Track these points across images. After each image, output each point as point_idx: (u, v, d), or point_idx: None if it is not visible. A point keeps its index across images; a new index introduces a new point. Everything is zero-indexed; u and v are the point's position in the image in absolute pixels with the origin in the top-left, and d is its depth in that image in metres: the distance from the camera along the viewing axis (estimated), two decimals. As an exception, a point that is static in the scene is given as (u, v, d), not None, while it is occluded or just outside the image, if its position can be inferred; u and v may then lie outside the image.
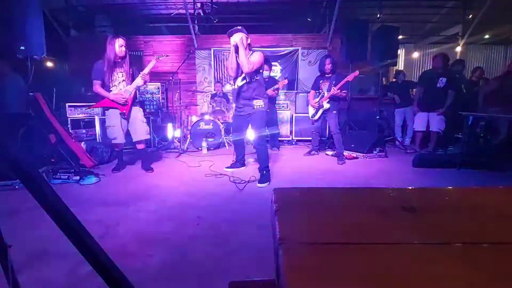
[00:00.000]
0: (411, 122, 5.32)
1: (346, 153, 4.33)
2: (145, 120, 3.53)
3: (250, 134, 3.49)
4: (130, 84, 3.32)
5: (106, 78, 3.23)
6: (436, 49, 7.73)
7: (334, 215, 0.59)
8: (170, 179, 3.29)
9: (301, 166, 3.96)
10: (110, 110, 3.34)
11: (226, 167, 3.66)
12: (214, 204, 2.52)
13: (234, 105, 3.37)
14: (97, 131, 4.69)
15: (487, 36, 7.52)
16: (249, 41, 3.02)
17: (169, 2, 6.43)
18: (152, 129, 5.00)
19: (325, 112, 4.20)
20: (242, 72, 3.07)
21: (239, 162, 3.67)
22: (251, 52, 3.07)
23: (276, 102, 5.38)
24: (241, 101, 3.15)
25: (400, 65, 7.75)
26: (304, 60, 6.63)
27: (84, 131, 4.66)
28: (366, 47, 5.04)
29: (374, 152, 4.46)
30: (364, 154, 4.41)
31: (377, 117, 5.14)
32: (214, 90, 6.15)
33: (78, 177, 3.10)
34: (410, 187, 0.73)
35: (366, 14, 6.43)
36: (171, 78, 5.06)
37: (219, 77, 6.67)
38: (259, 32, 6.43)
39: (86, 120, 4.73)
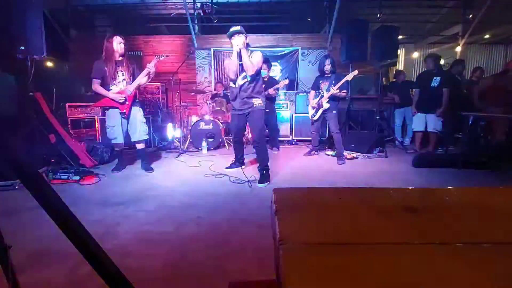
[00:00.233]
0: (411, 122, 5.33)
1: (346, 153, 4.33)
2: (144, 120, 3.53)
3: (249, 134, 3.49)
4: (131, 83, 3.32)
5: (106, 77, 3.23)
6: (436, 49, 7.73)
7: (334, 215, 0.59)
8: (170, 179, 3.29)
9: (301, 166, 3.96)
10: (110, 110, 3.34)
11: (225, 167, 3.65)
12: (214, 204, 2.52)
13: (232, 104, 3.36)
14: (97, 131, 4.69)
15: (487, 36, 7.51)
16: (247, 41, 3.03)
17: (169, 2, 6.42)
18: (152, 129, 5.01)
19: (325, 112, 4.20)
20: (242, 72, 3.07)
21: (239, 161, 3.67)
22: (250, 52, 3.07)
23: (276, 102, 5.38)
24: (240, 100, 3.15)
25: (400, 65, 7.75)
26: (304, 60, 6.63)
27: (84, 131, 4.66)
28: (366, 47, 5.03)
29: (374, 152, 4.46)
30: (364, 154, 4.41)
31: (377, 117, 5.14)
32: (215, 90, 6.14)
33: (78, 177, 3.10)
34: (410, 187, 0.73)
35: (366, 14, 6.42)
36: (171, 78, 5.06)
37: (219, 77, 6.67)
38: (259, 32, 6.43)
39: (86, 120, 4.72)
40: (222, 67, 6.62)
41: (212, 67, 6.68)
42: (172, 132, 5.60)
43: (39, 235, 1.88)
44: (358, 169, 3.79)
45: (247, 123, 3.27)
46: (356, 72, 4.08)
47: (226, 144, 5.19)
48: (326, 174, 3.52)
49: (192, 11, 6.32)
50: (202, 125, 5.01)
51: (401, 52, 7.81)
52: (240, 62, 3.03)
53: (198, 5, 6.58)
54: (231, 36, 3.01)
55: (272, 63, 5.99)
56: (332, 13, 5.94)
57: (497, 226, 0.54)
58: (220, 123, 5.08)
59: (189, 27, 6.27)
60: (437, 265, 0.42)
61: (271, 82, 4.85)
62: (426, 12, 6.97)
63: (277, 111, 5.48)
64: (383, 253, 0.45)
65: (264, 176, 3.10)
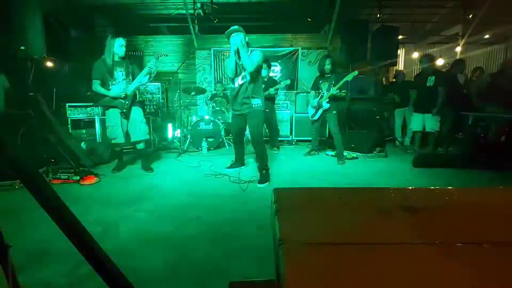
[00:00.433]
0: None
1: (346, 153, 4.33)
2: (144, 120, 3.53)
3: (249, 134, 3.49)
4: (131, 83, 3.32)
5: (106, 78, 3.23)
6: (436, 49, 7.73)
7: (334, 215, 0.59)
8: (170, 179, 3.29)
9: (301, 166, 3.96)
10: (110, 109, 3.34)
11: (226, 167, 3.65)
12: (214, 204, 2.52)
13: (232, 104, 3.37)
14: (97, 131, 4.68)
15: (487, 36, 7.51)
16: (247, 39, 3.02)
17: (169, 2, 6.42)
18: (152, 129, 5.00)
19: (325, 112, 4.20)
20: (241, 72, 3.06)
21: (239, 162, 3.67)
22: (250, 51, 3.07)
23: (276, 102, 5.39)
24: (240, 100, 3.15)
25: (400, 65, 7.75)
26: (304, 60, 6.63)
27: (84, 131, 4.66)
28: (366, 47, 5.04)
29: (374, 152, 4.46)
30: (364, 154, 4.41)
31: (377, 117, 5.14)
32: (215, 90, 6.14)
33: (78, 177, 3.10)
34: (410, 187, 0.73)
35: (366, 14, 6.42)
36: (171, 78, 5.06)
37: (219, 77, 6.67)
38: (259, 32, 6.42)
39: (86, 120, 4.72)
40: (222, 67, 6.62)
41: (212, 67, 6.68)
42: (172, 132, 5.60)
43: (39, 235, 1.88)
44: (358, 169, 3.79)
45: (247, 124, 3.27)
46: (356, 72, 4.08)
47: (226, 144, 5.19)
48: (326, 174, 3.52)
49: (192, 11, 6.32)
50: (202, 125, 5.01)
51: (401, 52, 7.81)
52: (241, 62, 3.03)
53: (198, 5, 6.58)
54: (229, 35, 3.00)
55: (272, 63, 6.00)
56: (332, 13, 5.94)
57: (497, 226, 0.54)
58: (220, 123, 5.08)
59: (189, 27, 6.27)
60: (437, 265, 0.42)
61: (271, 82, 4.85)
62: (426, 12, 6.96)
63: (276, 111, 5.48)
64: (383, 253, 0.45)
65: (264, 176, 3.10)
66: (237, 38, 2.94)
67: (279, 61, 6.61)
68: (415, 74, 5.38)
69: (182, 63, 5.25)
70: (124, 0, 6.26)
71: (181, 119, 5.39)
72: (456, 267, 0.41)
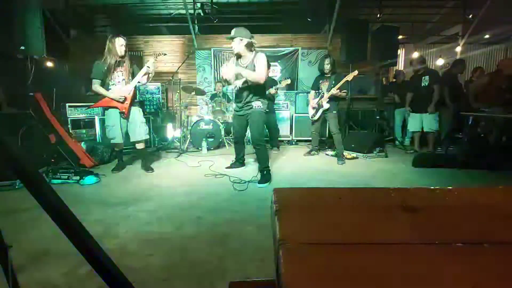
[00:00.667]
0: None
1: (346, 153, 4.33)
2: (144, 120, 3.53)
3: (250, 135, 3.50)
4: (130, 84, 3.32)
5: (106, 77, 3.23)
6: (436, 49, 7.73)
7: (334, 215, 0.59)
8: (170, 179, 3.29)
9: (301, 166, 3.96)
10: (110, 109, 3.34)
11: (226, 167, 3.66)
12: (214, 204, 2.52)
13: (234, 104, 3.38)
14: (97, 131, 4.69)
15: (487, 36, 7.51)
16: (252, 40, 2.99)
17: (169, 2, 6.43)
18: (152, 129, 5.01)
19: (325, 112, 4.20)
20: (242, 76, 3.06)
21: (239, 162, 3.67)
22: (255, 53, 3.05)
23: (276, 102, 5.39)
24: (241, 101, 3.15)
25: (400, 65, 7.74)
26: (304, 60, 6.63)
27: (84, 131, 4.66)
28: (366, 47, 5.04)
29: (374, 152, 4.46)
30: (364, 154, 4.41)
31: (377, 117, 5.14)
32: (215, 90, 6.15)
33: (78, 177, 3.10)
34: (410, 187, 0.73)
35: (366, 14, 6.43)
36: (171, 78, 5.07)
37: (219, 77, 6.67)
38: (259, 32, 6.42)
39: (86, 120, 4.72)
40: (222, 67, 6.62)
41: (212, 67, 6.68)
42: (172, 132, 5.60)
43: (39, 235, 1.88)
44: (358, 169, 3.79)
45: (248, 125, 3.27)
46: (356, 72, 4.08)
47: (226, 144, 5.19)
48: (326, 174, 3.52)
49: (192, 11, 6.32)
50: (202, 125, 5.01)
51: (401, 52, 7.81)
52: (242, 65, 3.03)
53: (198, 5, 6.58)
54: (230, 38, 3.00)
55: (272, 63, 6.00)
56: (332, 13, 5.95)
57: (497, 226, 0.54)
58: (220, 123, 5.08)
59: (189, 27, 6.27)
60: (437, 265, 0.42)
61: (271, 82, 4.85)
62: (426, 12, 6.97)
63: (276, 111, 5.48)
64: (383, 253, 0.45)
65: (265, 176, 3.10)
66: (236, 45, 2.95)
67: (279, 61, 6.62)
68: (410, 76, 5.41)
69: (182, 63, 5.24)
70: (124, 0, 6.26)
71: (181, 119, 5.39)
72: (456, 267, 0.41)
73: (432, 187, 0.71)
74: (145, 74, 3.31)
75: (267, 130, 5.05)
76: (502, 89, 4.18)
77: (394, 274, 0.40)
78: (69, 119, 4.58)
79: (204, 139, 4.89)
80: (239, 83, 3.10)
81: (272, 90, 4.69)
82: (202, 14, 6.86)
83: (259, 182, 3.06)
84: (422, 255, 0.44)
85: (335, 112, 4.16)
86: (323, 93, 4.18)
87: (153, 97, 5.85)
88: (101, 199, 2.62)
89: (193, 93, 5.36)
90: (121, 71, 3.30)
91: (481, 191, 0.72)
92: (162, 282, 1.45)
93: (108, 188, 2.98)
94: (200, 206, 2.45)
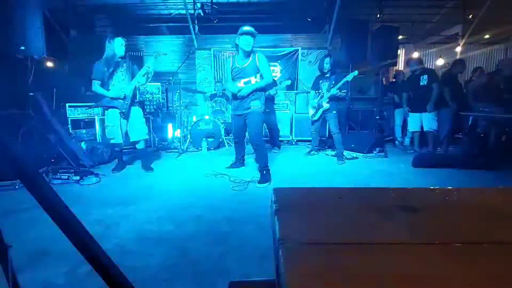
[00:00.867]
0: None
1: (346, 153, 4.33)
2: (144, 120, 3.54)
3: (249, 135, 3.50)
4: (130, 84, 3.32)
5: (105, 78, 3.23)
6: (436, 49, 7.73)
7: (334, 215, 0.59)
8: (170, 179, 3.29)
9: (301, 166, 3.96)
10: (110, 109, 3.34)
11: (226, 167, 3.65)
12: (214, 203, 2.52)
13: (232, 105, 3.39)
14: (97, 131, 4.69)
15: (487, 36, 7.51)
16: (254, 42, 3.03)
17: (169, 2, 6.43)
18: (152, 129, 5.01)
19: (325, 112, 4.20)
20: (244, 77, 3.06)
21: (239, 162, 3.67)
22: (255, 53, 3.06)
23: (275, 102, 5.39)
24: (240, 102, 3.15)
25: (400, 65, 7.74)
26: (304, 60, 6.63)
27: (84, 131, 4.66)
28: (366, 47, 5.04)
29: (374, 152, 4.46)
30: (364, 154, 4.41)
31: (377, 117, 5.14)
32: (214, 90, 6.15)
33: (78, 177, 3.10)
34: (410, 187, 0.73)
35: (366, 14, 6.42)
36: (171, 78, 5.07)
37: (219, 77, 6.67)
38: (259, 32, 6.40)
39: (86, 120, 4.72)
40: (222, 67, 6.62)
41: (212, 67, 6.68)
42: (172, 132, 5.59)
43: (39, 235, 1.88)
44: (358, 169, 3.79)
45: (246, 125, 3.27)
46: (355, 72, 4.08)
47: (226, 144, 5.19)
48: (326, 174, 3.52)
49: (192, 11, 6.32)
50: (202, 125, 5.01)
51: (401, 52, 7.81)
52: (243, 65, 3.05)
53: (198, 5, 6.58)
54: (241, 34, 3.00)
55: (272, 63, 6.00)
56: (332, 13, 5.95)
57: (497, 226, 0.54)
58: (220, 123, 5.08)
59: (189, 27, 6.27)
60: (437, 265, 0.42)
61: (273, 82, 4.86)
62: (426, 12, 6.96)
63: (276, 111, 5.48)
64: (383, 253, 0.45)
65: (264, 176, 3.10)
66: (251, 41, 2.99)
67: (279, 61, 6.61)
68: (407, 77, 5.42)
69: (182, 63, 5.24)
70: (124, 0, 6.26)
71: (181, 119, 5.39)
72: (456, 267, 0.41)
73: (432, 187, 0.71)
74: (144, 75, 3.31)
75: (267, 130, 5.06)
76: (501, 89, 4.19)
77: (394, 274, 0.40)
78: (69, 119, 4.58)
79: (204, 139, 4.89)
80: (241, 84, 3.09)
81: (272, 90, 4.70)
82: (202, 14, 6.86)
83: (259, 182, 3.06)
84: (422, 255, 0.44)
85: (335, 112, 4.16)
86: (323, 93, 4.18)
87: (153, 97, 5.85)
88: (101, 199, 2.62)
89: (194, 89, 5.34)
90: (121, 72, 3.30)
91: (481, 191, 0.72)
92: (162, 282, 1.45)
93: (108, 188, 2.99)
94: (200, 206, 2.45)
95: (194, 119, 5.25)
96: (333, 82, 4.07)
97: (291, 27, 6.78)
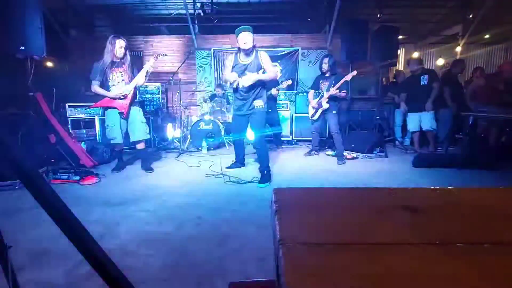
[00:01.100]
0: None
1: (346, 153, 4.33)
2: (144, 120, 3.54)
3: (250, 134, 3.50)
4: (129, 84, 3.32)
5: (104, 78, 3.24)
6: (436, 49, 7.74)
7: (334, 215, 0.59)
8: (170, 179, 3.29)
9: (301, 166, 3.96)
10: (110, 110, 3.34)
11: (226, 167, 3.66)
12: (214, 204, 2.52)
13: (234, 105, 3.38)
14: (97, 131, 4.69)
15: (487, 36, 7.51)
16: (254, 43, 3.02)
17: (169, 2, 6.43)
18: (152, 129, 5.01)
19: (325, 112, 4.20)
20: (245, 73, 3.06)
21: (239, 162, 3.67)
22: (256, 51, 3.06)
23: (277, 101, 5.41)
24: (241, 101, 3.15)
25: (400, 65, 7.75)
26: (304, 60, 6.63)
27: (84, 131, 4.66)
28: (366, 47, 5.03)
29: (374, 152, 4.46)
30: (364, 154, 4.41)
31: (377, 117, 5.14)
32: (215, 90, 6.15)
33: (78, 177, 3.10)
34: (410, 187, 0.73)
35: (366, 14, 6.42)
36: (171, 78, 5.07)
37: (219, 78, 6.67)
38: (259, 32, 6.41)
39: (86, 120, 4.73)
40: (222, 67, 6.62)
41: (212, 67, 6.68)
42: (172, 132, 5.60)
43: (39, 235, 1.88)
44: (358, 169, 3.79)
45: (248, 124, 3.27)
46: (355, 72, 4.08)
47: (226, 144, 5.19)
48: (326, 174, 3.52)
49: (192, 11, 6.32)
50: (202, 125, 5.01)
51: (401, 52, 7.81)
52: (244, 61, 3.05)
53: (198, 5, 6.58)
54: (239, 32, 2.98)
55: (272, 63, 5.99)
56: (332, 13, 5.94)
57: (497, 226, 0.54)
58: (220, 123, 5.08)
59: (189, 27, 6.27)
60: (438, 265, 0.42)
61: (273, 82, 4.87)
62: (426, 12, 6.97)
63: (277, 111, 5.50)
64: (383, 253, 0.45)
65: (265, 177, 3.10)
66: (250, 37, 2.96)
67: (279, 61, 6.61)
68: (406, 77, 5.43)
69: (182, 63, 5.25)
70: (124, 0, 6.26)
71: (181, 119, 5.39)
72: (456, 267, 0.41)
73: (432, 187, 0.71)
74: (145, 75, 3.32)
75: (270, 130, 5.07)
76: (499, 90, 4.19)
77: (394, 274, 0.40)
78: (69, 119, 4.58)
79: (204, 139, 4.89)
80: (247, 83, 3.02)
81: (274, 91, 4.72)
82: (202, 14, 6.86)
83: (259, 182, 3.06)
84: (422, 255, 0.44)
85: (335, 112, 4.16)
86: (323, 93, 4.18)
87: (153, 97, 5.85)
88: (101, 199, 2.62)
89: (194, 87, 5.34)
90: (121, 72, 3.30)
91: (481, 191, 0.72)
92: (162, 282, 1.45)
93: (108, 188, 2.99)
94: (200, 206, 2.45)
95: (194, 119, 5.25)
96: (333, 82, 4.08)
97: (291, 27, 6.78)
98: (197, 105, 6.71)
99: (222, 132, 5.08)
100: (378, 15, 5.86)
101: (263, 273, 1.49)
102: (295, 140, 5.84)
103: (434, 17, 7.27)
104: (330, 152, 4.63)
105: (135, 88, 3.37)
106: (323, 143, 5.07)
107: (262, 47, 6.26)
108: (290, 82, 4.90)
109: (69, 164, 3.48)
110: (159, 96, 5.91)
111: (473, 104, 4.46)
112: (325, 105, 4.14)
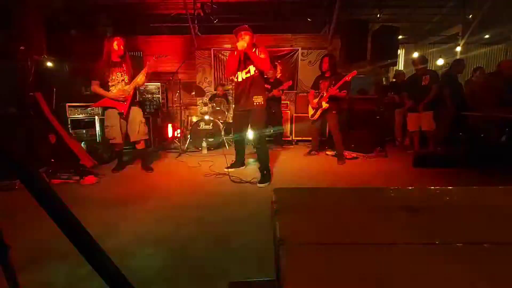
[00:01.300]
0: None
1: (346, 153, 4.33)
2: (144, 120, 3.53)
3: (251, 133, 3.50)
4: (129, 84, 3.32)
5: (104, 78, 3.23)
6: (436, 49, 7.74)
7: (334, 215, 0.59)
8: (170, 179, 3.29)
9: (301, 166, 3.96)
10: (109, 110, 3.34)
11: (226, 167, 3.65)
12: (214, 204, 2.52)
13: (233, 105, 3.39)
14: (97, 131, 4.69)
15: (487, 36, 7.51)
16: (254, 41, 3.03)
17: (169, 2, 6.42)
18: (152, 129, 5.00)
19: (325, 112, 4.20)
20: (243, 68, 3.06)
21: (239, 161, 3.67)
22: (258, 47, 3.07)
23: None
24: (241, 98, 3.15)
25: (400, 65, 7.75)
26: (304, 60, 6.62)
27: (84, 131, 4.66)
28: (366, 47, 5.04)
29: (374, 152, 4.46)
30: (364, 154, 4.41)
31: (377, 117, 5.14)
32: (215, 90, 6.15)
33: (78, 177, 3.10)
34: (410, 187, 0.73)
35: (366, 14, 6.42)
36: (171, 78, 5.06)
37: (219, 78, 6.67)
38: (259, 32, 6.39)
39: (86, 120, 4.72)
40: (222, 67, 6.62)
41: (212, 67, 6.67)
42: (172, 132, 5.59)
43: (39, 235, 1.88)
44: (358, 169, 3.79)
45: (249, 123, 3.27)
46: (354, 72, 4.08)
47: (226, 144, 5.19)
48: (326, 174, 3.52)
49: (192, 11, 6.32)
50: (202, 125, 5.01)
51: (401, 52, 7.81)
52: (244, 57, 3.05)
53: (198, 5, 6.58)
54: (237, 33, 3.01)
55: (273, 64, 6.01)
56: (332, 13, 5.94)
57: (497, 226, 0.54)
58: (220, 123, 5.08)
59: (189, 27, 6.27)
60: (437, 265, 0.42)
61: (277, 83, 4.91)
62: (426, 12, 6.96)
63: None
64: (383, 253, 0.45)
65: (265, 176, 3.10)
66: (245, 40, 2.96)
67: (279, 61, 6.61)
68: (410, 75, 5.42)
69: (182, 63, 5.24)
70: (124, 0, 6.26)
71: (181, 119, 5.39)
72: (456, 267, 0.41)
73: (432, 187, 0.71)
74: (145, 75, 3.31)
75: (271, 129, 5.09)
76: (499, 90, 4.19)
77: (394, 274, 0.40)
78: (69, 119, 4.58)
79: (204, 139, 4.89)
80: (243, 75, 3.07)
81: (275, 92, 4.75)
82: (202, 14, 6.85)
83: (259, 182, 3.06)
84: (422, 255, 0.44)
85: (334, 112, 4.16)
86: (323, 93, 4.18)
87: (153, 97, 5.84)
88: (101, 199, 2.62)
89: (193, 93, 5.35)
90: (120, 72, 3.30)
91: (481, 191, 0.72)
92: (162, 282, 1.45)
93: (108, 188, 2.98)
94: (200, 206, 2.45)
95: (194, 119, 5.25)
96: (333, 82, 4.07)
97: (291, 27, 6.77)
98: (197, 105, 6.71)
99: (222, 132, 5.08)
100: (378, 15, 5.86)
101: (263, 273, 1.49)
102: (295, 140, 5.84)
103: (434, 17, 7.27)
104: (330, 152, 4.63)
105: (135, 88, 3.37)
106: (323, 143, 5.07)
107: (262, 47, 6.26)
108: (290, 82, 4.93)
109: (69, 164, 3.47)
110: (159, 96, 5.90)
111: (473, 104, 4.46)
112: (325, 105, 4.14)
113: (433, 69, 5.56)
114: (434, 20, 7.31)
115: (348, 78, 4.04)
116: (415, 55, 7.85)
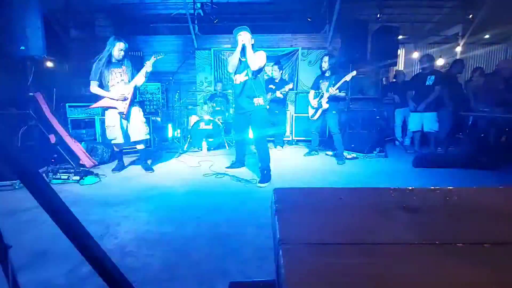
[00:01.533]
0: None
1: (346, 153, 4.33)
2: (144, 120, 3.53)
3: (251, 133, 3.50)
4: (129, 84, 3.32)
5: (103, 78, 3.24)
6: (436, 49, 7.73)
7: (334, 215, 0.59)
8: (170, 179, 3.28)
9: (301, 166, 3.96)
10: (109, 110, 3.34)
11: (226, 167, 3.65)
12: (214, 204, 2.52)
13: (233, 105, 3.39)
14: (97, 131, 4.69)
15: (487, 36, 7.51)
16: (253, 42, 3.05)
17: (169, 2, 6.42)
18: (152, 129, 5.01)
19: (325, 112, 4.20)
20: (243, 70, 3.07)
21: (239, 161, 3.67)
22: (256, 50, 3.08)
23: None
24: (242, 99, 3.15)
25: (400, 65, 7.74)
26: (304, 60, 6.63)
27: (84, 131, 4.66)
28: (366, 47, 5.03)
29: (374, 152, 4.46)
30: (364, 154, 4.41)
31: (377, 117, 5.14)
32: (215, 90, 6.15)
33: (78, 177, 3.10)
34: (410, 187, 0.73)
35: (366, 14, 6.42)
36: (171, 78, 5.07)
37: (219, 77, 6.67)
38: (259, 32, 6.42)
39: (86, 120, 4.73)
40: (222, 67, 6.62)
41: (212, 67, 6.68)
42: (172, 132, 5.59)
43: (39, 235, 1.88)
44: (358, 169, 3.79)
45: (250, 123, 3.27)
46: (354, 72, 4.08)
47: (226, 144, 5.19)
48: (326, 174, 3.52)
49: (192, 11, 6.32)
50: (202, 125, 5.01)
51: (401, 52, 7.80)
52: (244, 59, 3.05)
53: (198, 5, 6.58)
54: (237, 32, 3.02)
55: (272, 63, 6.01)
56: (332, 13, 5.95)
57: (497, 226, 0.54)
58: (220, 123, 5.08)
59: (189, 27, 6.27)
60: (438, 265, 0.42)
61: (282, 84, 4.92)
62: (426, 12, 6.96)
63: (276, 111, 5.51)
64: (383, 253, 0.45)
65: (265, 176, 3.10)
66: (245, 35, 2.99)
67: (279, 60, 6.61)
68: (414, 74, 5.41)
69: (182, 63, 5.25)
70: (124, 0, 6.26)
71: (181, 119, 5.39)
72: (456, 267, 0.41)
73: (432, 187, 0.71)
74: (145, 75, 3.32)
75: (272, 130, 5.09)
76: (499, 90, 4.19)
77: (394, 274, 0.40)
78: (69, 119, 4.58)
79: (204, 139, 4.89)
80: (241, 78, 3.09)
81: (277, 93, 4.77)
82: (202, 14, 6.85)
83: (259, 182, 3.06)
84: (422, 255, 0.44)
85: (335, 112, 4.16)
86: (323, 93, 4.18)
87: (153, 97, 5.85)
88: (101, 199, 2.62)
89: (193, 90, 5.35)
90: (120, 73, 3.30)
91: (481, 191, 0.72)
92: (162, 282, 1.45)
93: (108, 188, 2.98)
94: (200, 206, 2.45)
95: (194, 119, 5.25)
96: (333, 82, 4.08)
97: (291, 27, 6.77)
98: (197, 105, 6.71)
99: (222, 132, 5.08)
100: (378, 15, 5.85)
101: (263, 273, 1.49)
102: (295, 140, 5.84)
103: (434, 17, 7.27)
104: (330, 152, 4.63)
105: (134, 88, 3.37)
106: (323, 143, 5.07)
107: (262, 47, 6.26)
108: (291, 85, 4.96)
109: (69, 164, 3.47)
110: (159, 96, 5.91)
111: (476, 104, 4.45)
112: (325, 105, 4.14)
113: (441, 71, 5.51)
114: (434, 20, 7.31)
115: (348, 78, 4.05)
116: (414, 55, 7.87)
